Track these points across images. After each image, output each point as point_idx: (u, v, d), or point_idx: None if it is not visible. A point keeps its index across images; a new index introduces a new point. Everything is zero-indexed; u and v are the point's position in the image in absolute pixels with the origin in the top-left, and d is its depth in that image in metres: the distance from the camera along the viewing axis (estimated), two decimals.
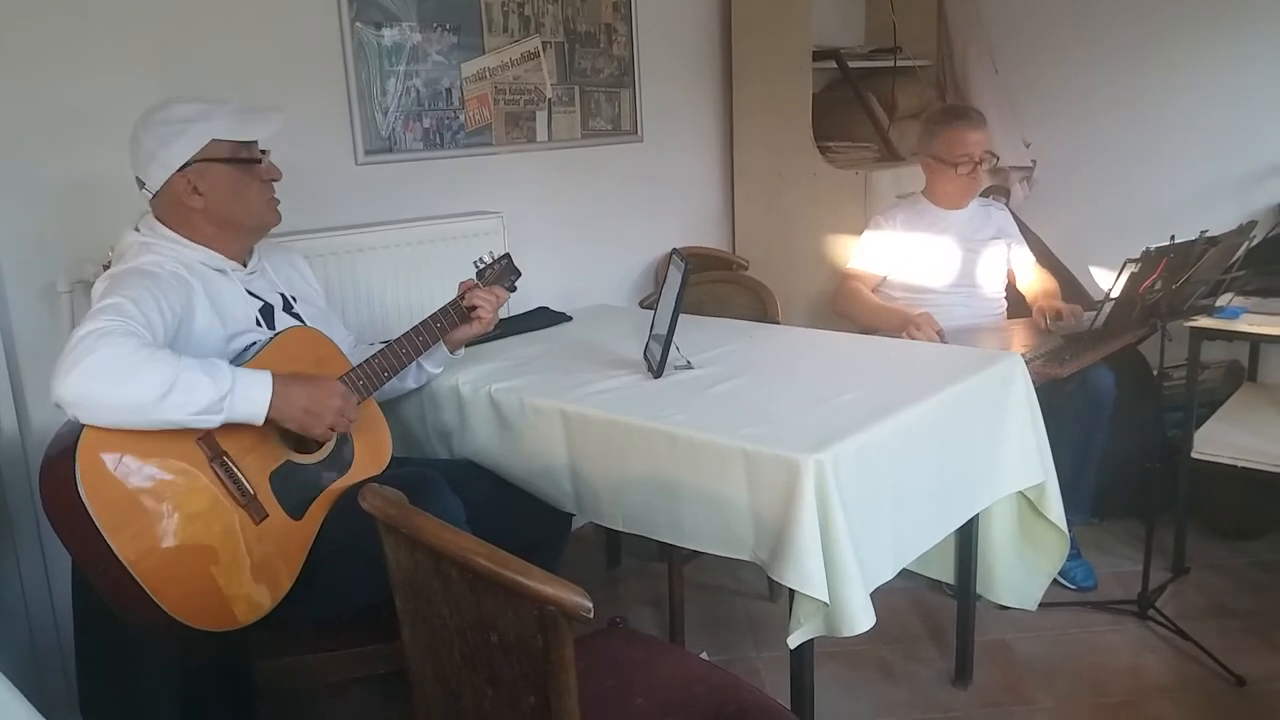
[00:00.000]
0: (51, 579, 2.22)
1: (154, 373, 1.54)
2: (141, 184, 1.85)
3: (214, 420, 1.60)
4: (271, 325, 1.92)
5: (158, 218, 1.85)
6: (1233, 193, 3.41)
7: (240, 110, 1.88)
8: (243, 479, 1.69)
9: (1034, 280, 3.08)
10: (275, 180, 1.93)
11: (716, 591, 2.93)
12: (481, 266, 2.17)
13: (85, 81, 2.18)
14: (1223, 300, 2.69)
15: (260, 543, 1.70)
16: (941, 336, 2.71)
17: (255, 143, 1.90)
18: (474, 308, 2.10)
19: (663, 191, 3.54)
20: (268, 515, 1.72)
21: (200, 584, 1.63)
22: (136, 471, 1.58)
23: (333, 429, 1.77)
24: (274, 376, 1.68)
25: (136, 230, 1.85)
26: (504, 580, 1.16)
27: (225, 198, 1.84)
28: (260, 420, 1.65)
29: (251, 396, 1.64)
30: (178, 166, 1.80)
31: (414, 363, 2.07)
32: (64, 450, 1.54)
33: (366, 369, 1.93)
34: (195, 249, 1.85)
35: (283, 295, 2.00)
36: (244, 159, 1.86)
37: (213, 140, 1.82)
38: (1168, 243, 2.34)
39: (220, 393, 1.59)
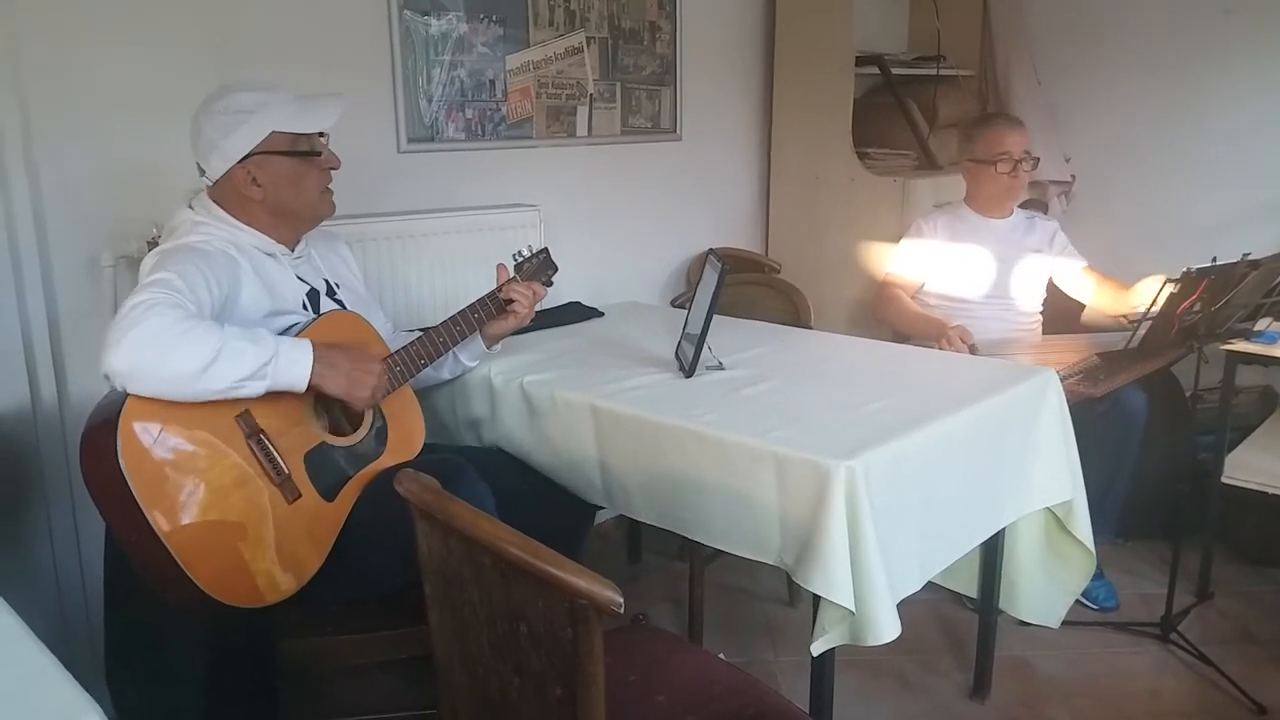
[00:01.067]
0: (83, 550, 2.25)
1: (200, 342, 1.56)
2: (202, 171, 1.86)
3: (258, 387, 1.62)
4: (317, 310, 1.94)
5: (214, 199, 1.87)
6: (1276, 215, 3.36)
7: (300, 99, 1.87)
8: (278, 458, 1.71)
9: (1085, 281, 3.00)
10: (334, 169, 1.93)
11: (736, 593, 2.93)
12: (520, 260, 2.18)
13: (132, 60, 2.20)
14: (1261, 325, 2.66)
15: (292, 522, 1.72)
16: (973, 350, 2.69)
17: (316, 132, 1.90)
18: (511, 301, 2.11)
19: (698, 191, 3.54)
20: (300, 495, 1.74)
21: (231, 560, 1.65)
22: (175, 446, 1.60)
23: (375, 395, 1.78)
24: (314, 344, 1.69)
25: (191, 208, 1.87)
26: (536, 571, 1.17)
27: (283, 189, 1.86)
28: (304, 386, 1.67)
29: (295, 359, 1.66)
30: (238, 158, 1.81)
31: (450, 353, 2.09)
32: (105, 422, 1.56)
33: (404, 355, 1.95)
34: (248, 232, 1.87)
35: (326, 281, 2.01)
36: (304, 151, 1.87)
37: (273, 132, 1.82)
38: (1209, 264, 2.32)
39: (264, 358, 1.61)
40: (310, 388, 1.69)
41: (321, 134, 1.91)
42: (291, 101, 1.86)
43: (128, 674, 1.92)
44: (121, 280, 2.20)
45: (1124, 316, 2.76)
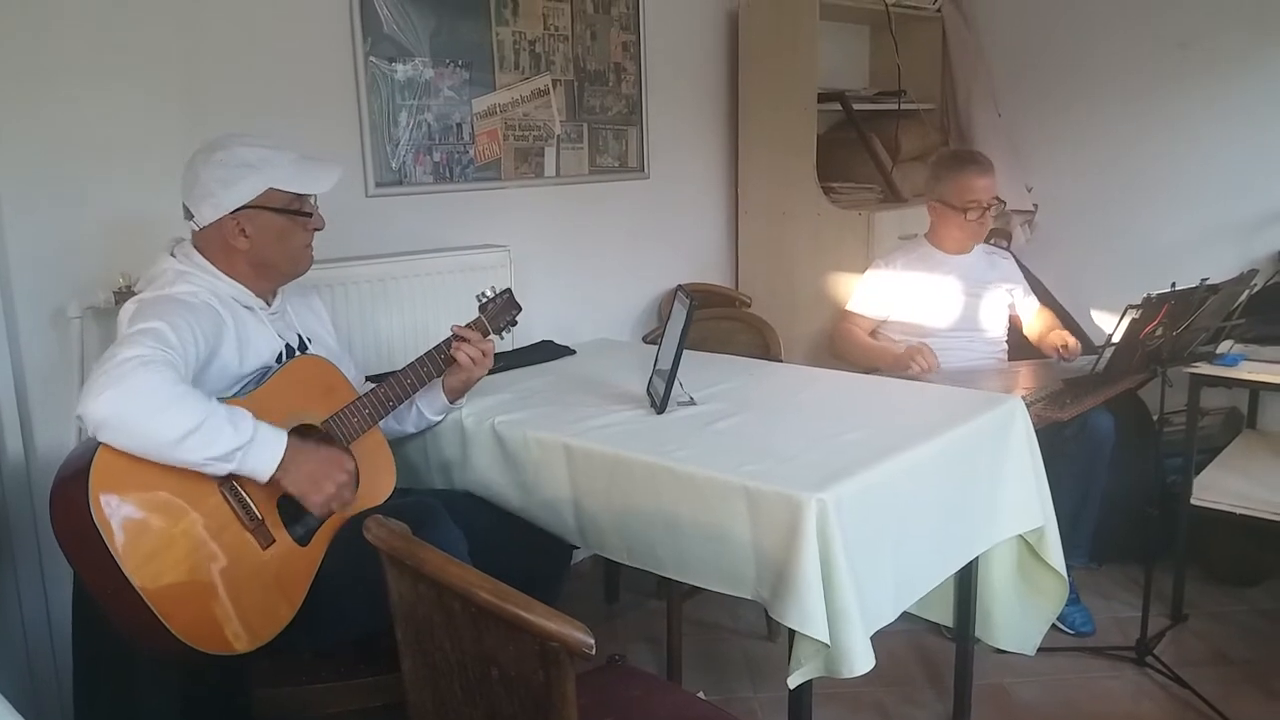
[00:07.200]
0: (50, 604, 2.21)
1: (184, 412, 1.56)
2: (189, 215, 1.86)
3: (223, 468, 1.62)
4: None
5: (197, 246, 1.87)
6: (1233, 239, 3.44)
7: (302, 160, 1.89)
8: (251, 504, 1.70)
9: (1035, 320, 3.11)
10: (319, 230, 1.95)
11: (715, 630, 2.92)
12: (484, 300, 2.18)
13: (101, 111, 2.21)
14: (1223, 347, 2.71)
15: (266, 568, 1.71)
16: (936, 367, 2.73)
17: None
18: (452, 360, 2.08)
19: (667, 228, 3.57)
20: (275, 541, 1.73)
21: (207, 608, 1.63)
22: (148, 495, 1.59)
23: (330, 502, 1.75)
24: (290, 440, 1.68)
25: (173, 256, 1.87)
26: (506, 614, 1.17)
27: (270, 244, 1.87)
28: (265, 479, 1.66)
29: (264, 454, 1.65)
30: (232, 209, 1.82)
31: (413, 404, 2.09)
32: (77, 472, 1.55)
33: (372, 397, 1.95)
34: (229, 283, 1.87)
35: (299, 336, 2.01)
36: (295, 210, 1.88)
37: (271, 188, 1.84)
38: (1169, 289, 2.36)
39: (238, 443, 1.61)
40: (273, 479, 1.68)
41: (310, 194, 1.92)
42: (294, 162, 1.87)
43: None
44: (89, 332, 2.19)
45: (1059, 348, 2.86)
